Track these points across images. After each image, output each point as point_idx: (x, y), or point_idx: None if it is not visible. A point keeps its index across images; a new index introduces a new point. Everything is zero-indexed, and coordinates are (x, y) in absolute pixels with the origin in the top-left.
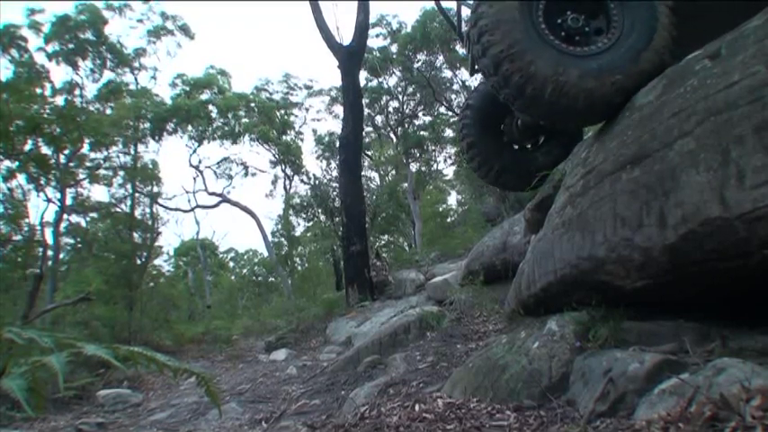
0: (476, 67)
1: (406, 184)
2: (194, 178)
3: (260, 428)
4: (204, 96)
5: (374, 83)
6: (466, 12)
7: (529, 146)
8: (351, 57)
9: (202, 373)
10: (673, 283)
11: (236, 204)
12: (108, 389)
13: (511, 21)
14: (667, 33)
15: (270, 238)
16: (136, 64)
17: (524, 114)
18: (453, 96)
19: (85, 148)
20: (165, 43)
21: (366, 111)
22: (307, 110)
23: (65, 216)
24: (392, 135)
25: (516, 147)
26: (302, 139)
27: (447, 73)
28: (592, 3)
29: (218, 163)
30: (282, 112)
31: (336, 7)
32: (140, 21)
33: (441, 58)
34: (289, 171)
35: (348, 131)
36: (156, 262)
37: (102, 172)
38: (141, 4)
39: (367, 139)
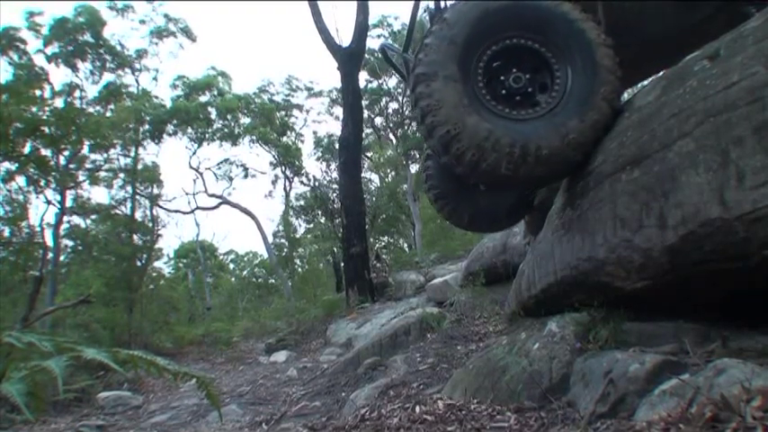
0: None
1: (405, 186)
2: (194, 180)
3: (260, 430)
4: (204, 98)
5: (374, 84)
6: None
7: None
8: (350, 58)
9: (202, 377)
10: (673, 284)
11: (235, 206)
12: (108, 391)
13: (447, 85)
14: (613, 93)
15: (271, 239)
16: (137, 65)
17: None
18: None
19: (85, 150)
20: (167, 44)
21: (366, 112)
22: (307, 111)
23: (65, 218)
24: (392, 136)
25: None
26: (302, 141)
27: None
28: (534, 62)
29: (218, 165)
30: (283, 113)
31: (336, 8)
32: (142, 22)
33: None
34: (289, 173)
35: (348, 133)
36: (157, 264)
37: (102, 174)
38: (146, 4)
39: (367, 141)
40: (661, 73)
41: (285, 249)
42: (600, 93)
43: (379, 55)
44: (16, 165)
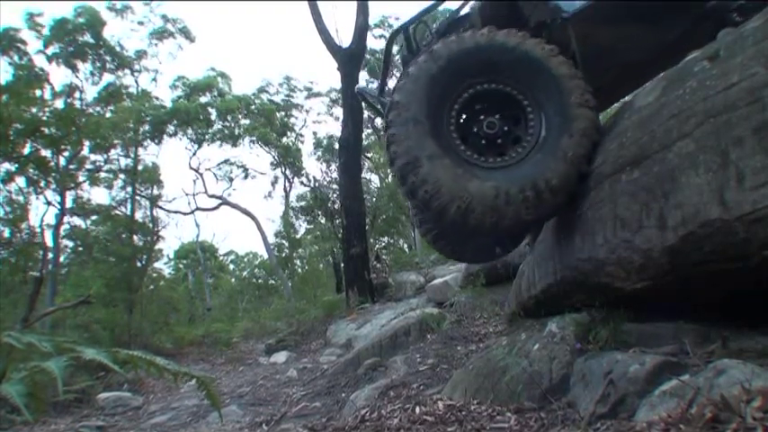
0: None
1: None
2: (194, 181)
3: (260, 431)
4: (204, 99)
5: (374, 85)
6: None
7: None
8: (350, 59)
9: (202, 377)
10: (673, 285)
11: (235, 207)
12: (108, 392)
13: (434, 164)
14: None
15: (272, 239)
16: (137, 66)
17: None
18: None
19: (85, 151)
20: (167, 45)
21: (366, 113)
22: (307, 112)
23: (65, 219)
24: None
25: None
26: (302, 142)
27: None
28: (496, 101)
29: (218, 165)
30: (282, 113)
31: (336, 9)
32: (141, 23)
33: None
34: (289, 173)
35: (348, 134)
36: (157, 265)
37: (102, 174)
38: (143, 5)
39: (367, 142)
40: (661, 74)
41: (285, 250)
42: (571, 101)
43: (381, 54)
44: (16, 165)
